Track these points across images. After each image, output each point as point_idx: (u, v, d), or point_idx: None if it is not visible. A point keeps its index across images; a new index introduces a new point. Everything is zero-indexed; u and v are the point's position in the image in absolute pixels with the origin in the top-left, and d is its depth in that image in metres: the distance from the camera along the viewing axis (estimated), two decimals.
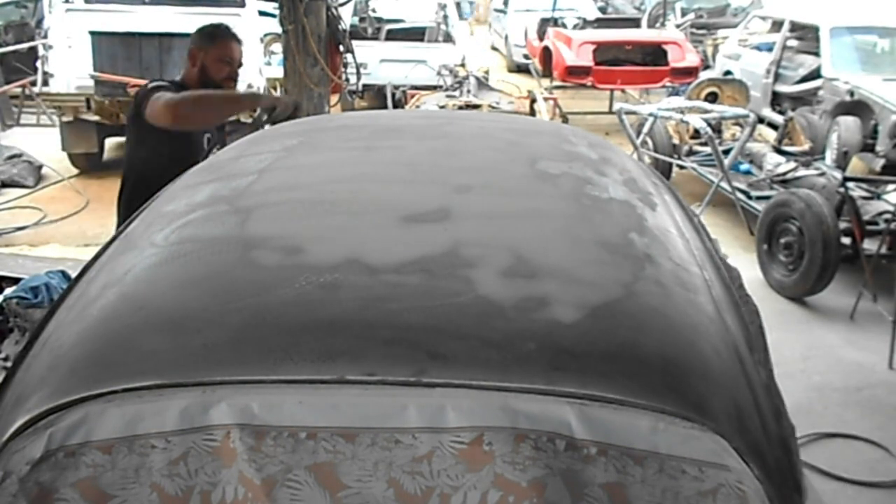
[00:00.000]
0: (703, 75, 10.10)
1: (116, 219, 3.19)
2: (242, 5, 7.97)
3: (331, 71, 6.07)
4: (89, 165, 7.96)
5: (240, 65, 3.24)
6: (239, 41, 3.28)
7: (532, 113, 8.67)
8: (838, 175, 5.63)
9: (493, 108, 8.36)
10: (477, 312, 1.19)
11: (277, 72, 7.74)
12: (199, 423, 1.07)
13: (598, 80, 10.52)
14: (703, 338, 1.26)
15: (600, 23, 13.24)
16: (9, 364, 3.46)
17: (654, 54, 10.88)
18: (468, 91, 8.92)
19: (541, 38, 12.42)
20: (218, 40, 3.23)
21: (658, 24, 14.05)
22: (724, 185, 6.26)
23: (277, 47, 8.39)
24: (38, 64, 8.77)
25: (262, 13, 8.40)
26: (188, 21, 7.49)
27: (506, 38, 16.01)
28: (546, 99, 9.26)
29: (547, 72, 11.46)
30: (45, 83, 8.12)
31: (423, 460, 1.05)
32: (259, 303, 1.21)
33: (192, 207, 1.59)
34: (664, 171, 6.95)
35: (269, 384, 1.09)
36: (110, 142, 8.38)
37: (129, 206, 2.82)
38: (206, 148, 3.19)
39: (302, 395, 1.08)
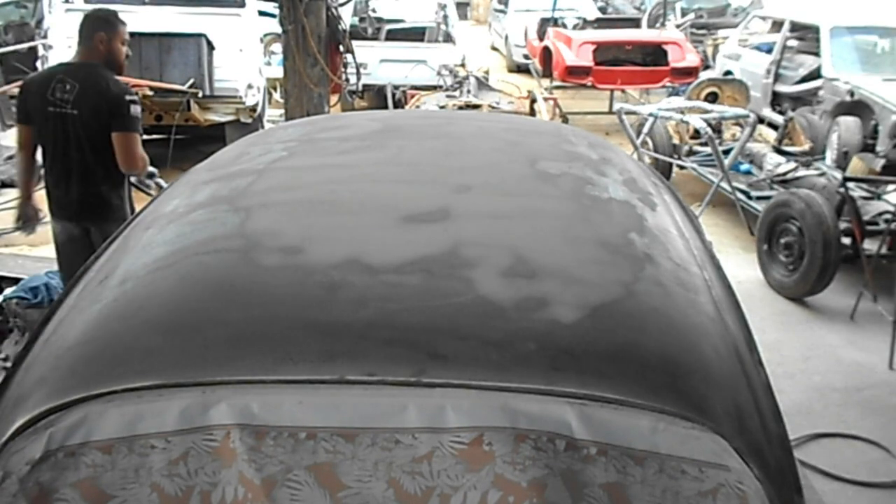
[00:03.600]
0: (703, 75, 10.10)
1: None
2: (242, 5, 7.97)
3: (331, 71, 6.07)
4: None
5: None
6: None
7: (532, 113, 8.67)
8: (838, 175, 5.62)
9: (493, 108, 8.36)
10: (477, 312, 1.19)
11: (277, 72, 7.75)
12: (199, 423, 1.06)
13: (598, 80, 10.52)
14: (704, 338, 1.26)
15: (600, 23, 13.24)
16: (9, 364, 3.46)
17: (654, 54, 10.88)
18: (468, 91, 8.92)
19: (541, 38, 12.42)
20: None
21: (658, 25, 14.02)
22: (725, 185, 6.26)
23: (277, 47, 8.41)
24: (38, 64, 8.77)
25: (262, 13, 8.40)
26: (188, 21, 7.52)
27: (506, 38, 15.99)
28: (546, 99, 9.26)
29: (547, 72, 11.45)
30: None
31: (423, 460, 1.05)
32: (259, 303, 1.21)
33: (193, 207, 1.59)
34: (664, 171, 6.95)
35: (269, 384, 1.09)
36: None
37: None
38: None
39: (302, 395, 1.08)
